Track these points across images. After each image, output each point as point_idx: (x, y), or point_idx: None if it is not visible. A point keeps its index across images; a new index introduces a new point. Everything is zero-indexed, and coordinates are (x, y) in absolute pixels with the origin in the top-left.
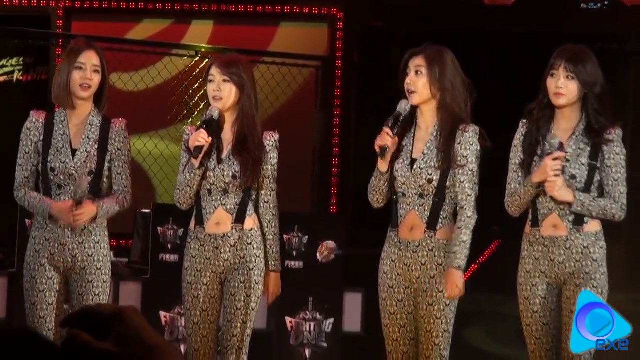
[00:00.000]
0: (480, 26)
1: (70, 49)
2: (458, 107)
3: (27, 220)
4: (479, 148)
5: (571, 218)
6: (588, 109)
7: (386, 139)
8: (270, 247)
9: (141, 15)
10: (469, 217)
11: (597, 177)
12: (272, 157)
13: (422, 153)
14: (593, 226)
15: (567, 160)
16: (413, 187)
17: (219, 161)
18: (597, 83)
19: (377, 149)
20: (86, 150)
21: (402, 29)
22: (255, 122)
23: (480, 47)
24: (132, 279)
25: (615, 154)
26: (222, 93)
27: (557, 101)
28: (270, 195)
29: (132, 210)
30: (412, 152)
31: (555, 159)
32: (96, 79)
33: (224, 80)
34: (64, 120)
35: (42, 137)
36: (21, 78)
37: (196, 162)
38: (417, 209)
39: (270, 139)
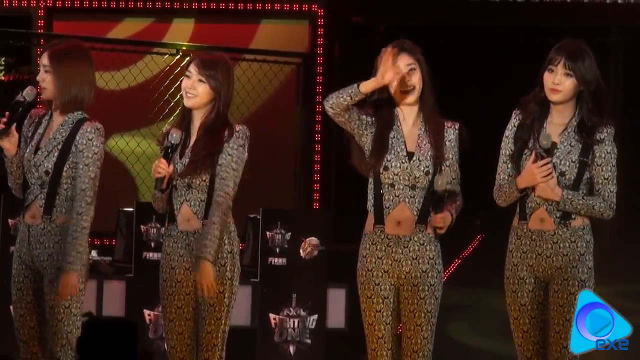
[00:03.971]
0: (461, 20)
1: None
2: (434, 99)
3: (9, 220)
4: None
5: (559, 213)
6: (582, 106)
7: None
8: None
9: (122, 14)
10: (460, 199)
11: (586, 175)
12: (231, 148)
13: (417, 146)
14: (580, 221)
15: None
16: (407, 178)
17: (181, 155)
18: (594, 80)
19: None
20: (47, 150)
21: (383, 23)
22: (219, 123)
23: (460, 40)
24: (116, 278)
25: (607, 152)
26: (196, 91)
27: (553, 97)
28: (218, 187)
29: (115, 209)
30: (405, 145)
31: (543, 164)
32: (47, 78)
33: (200, 80)
34: (49, 119)
35: (29, 134)
36: (3, 78)
37: (161, 192)
38: (407, 200)
39: (231, 132)
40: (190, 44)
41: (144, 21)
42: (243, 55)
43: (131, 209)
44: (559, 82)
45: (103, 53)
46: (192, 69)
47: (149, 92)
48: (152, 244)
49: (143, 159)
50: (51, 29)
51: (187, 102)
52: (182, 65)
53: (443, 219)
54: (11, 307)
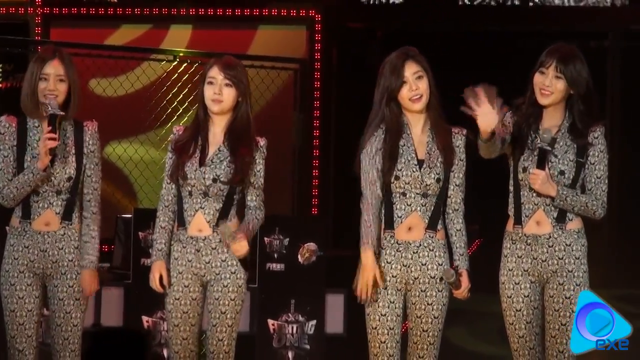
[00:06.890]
0: (458, 25)
1: (36, 58)
2: (440, 106)
3: (7, 228)
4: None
5: (555, 215)
6: (573, 108)
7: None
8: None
9: (119, 21)
10: (463, 219)
11: (582, 174)
12: (257, 163)
13: (427, 154)
14: (575, 224)
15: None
16: (418, 186)
17: (202, 163)
18: (584, 83)
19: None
20: (63, 156)
21: (381, 29)
22: (251, 127)
23: (457, 46)
24: (114, 284)
25: (599, 151)
26: (222, 96)
27: (543, 100)
28: (255, 201)
29: (113, 215)
30: (416, 153)
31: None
32: (61, 88)
33: (226, 84)
34: (38, 126)
35: (16, 143)
36: (0, 85)
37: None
38: (419, 209)
39: (257, 145)
40: (188, 50)
41: (141, 28)
42: (240, 61)
43: (129, 216)
44: (549, 84)
45: (100, 60)
46: (215, 74)
47: (147, 98)
48: (150, 250)
49: (141, 165)
50: (48, 36)
51: (215, 108)
52: (179, 71)
53: (463, 291)
54: (6, 315)
